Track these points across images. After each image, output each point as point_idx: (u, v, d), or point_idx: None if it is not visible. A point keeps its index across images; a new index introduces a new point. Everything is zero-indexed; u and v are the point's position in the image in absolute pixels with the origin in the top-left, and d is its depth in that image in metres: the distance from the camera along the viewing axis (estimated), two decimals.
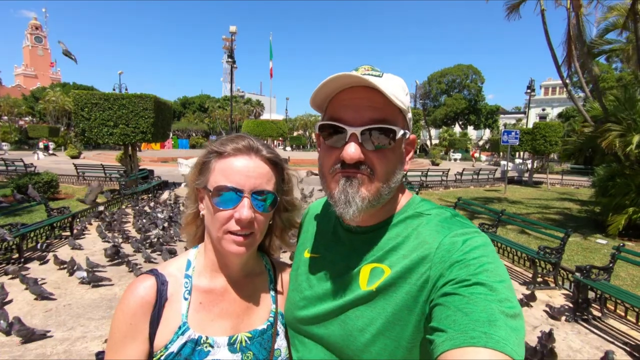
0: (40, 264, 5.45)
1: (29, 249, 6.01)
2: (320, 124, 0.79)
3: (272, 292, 0.98)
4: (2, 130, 38.76)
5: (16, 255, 5.66)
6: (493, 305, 0.58)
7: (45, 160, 24.00)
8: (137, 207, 9.35)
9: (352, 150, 0.72)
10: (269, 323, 0.93)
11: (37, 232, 6.40)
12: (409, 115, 0.81)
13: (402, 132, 0.76)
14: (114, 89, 27.83)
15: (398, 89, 0.76)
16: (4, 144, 33.86)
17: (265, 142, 0.95)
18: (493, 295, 0.60)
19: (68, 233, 7.22)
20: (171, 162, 24.95)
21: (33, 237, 6.29)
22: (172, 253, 5.87)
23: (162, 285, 0.85)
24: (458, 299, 0.61)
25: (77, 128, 13.03)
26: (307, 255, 0.95)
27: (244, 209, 0.81)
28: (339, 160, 0.75)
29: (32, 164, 16.20)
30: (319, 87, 0.76)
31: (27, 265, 5.41)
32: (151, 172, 14.62)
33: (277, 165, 0.91)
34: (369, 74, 0.74)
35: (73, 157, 27.12)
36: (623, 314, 4.60)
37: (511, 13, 12.93)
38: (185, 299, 0.86)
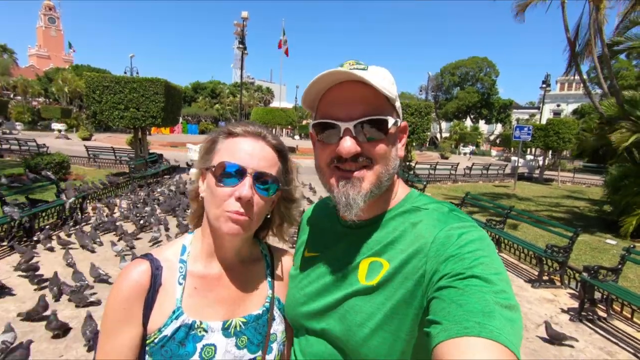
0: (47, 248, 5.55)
1: (40, 228, 6.13)
2: (313, 122, 0.81)
3: (269, 278, 0.99)
4: (16, 111, 39.30)
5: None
6: (488, 296, 0.58)
7: (57, 141, 24.33)
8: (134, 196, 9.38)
9: (347, 145, 0.75)
10: (264, 308, 0.94)
11: (48, 212, 6.52)
12: (398, 103, 0.82)
13: (393, 121, 0.78)
14: (125, 72, 27.92)
15: (384, 80, 0.77)
16: (17, 123, 34.35)
17: (273, 131, 0.95)
18: (488, 287, 0.60)
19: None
20: (180, 147, 25.09)
21: (44, 217, 6.41)
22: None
23: (156, 270, 0.85)
24: (453, 292, 0.61)
25: (88, 110, 13.17)
26: (307, 254, 0.96)
27: (245, 188, 0.81)
28: (334, 155, 0.77)
29: (44, 144, 16.44)
30: (309, 86, 0.78)
31: (38, 245, 5.53)
32: (160, 156, 14.74)
33: (282, 154, 0.92)
34: (354, 69, 0.76)
35: (84, 139, 27.45)
36: (629, 315, 4.56)
37: (521, 12, 12.56)
38: (180, 283, 0.86)
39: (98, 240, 5.70)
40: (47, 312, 3.50)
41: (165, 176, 13.18)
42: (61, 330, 3.34)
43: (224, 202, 0.82)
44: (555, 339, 3.79)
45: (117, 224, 6.47)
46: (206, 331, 0.84)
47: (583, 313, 4.47)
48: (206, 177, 0.88)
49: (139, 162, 12.46)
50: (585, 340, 3.98)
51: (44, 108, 43.59)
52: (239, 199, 0.81)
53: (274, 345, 0.92)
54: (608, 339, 4.04)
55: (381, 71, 0.80)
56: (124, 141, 22.73)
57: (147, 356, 0.81)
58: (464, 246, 0.67)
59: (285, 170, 0.94)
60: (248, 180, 0.82)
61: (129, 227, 6.58)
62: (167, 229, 6.40)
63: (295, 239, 1.09)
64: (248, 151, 0.85)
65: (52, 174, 8.28)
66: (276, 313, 0.95)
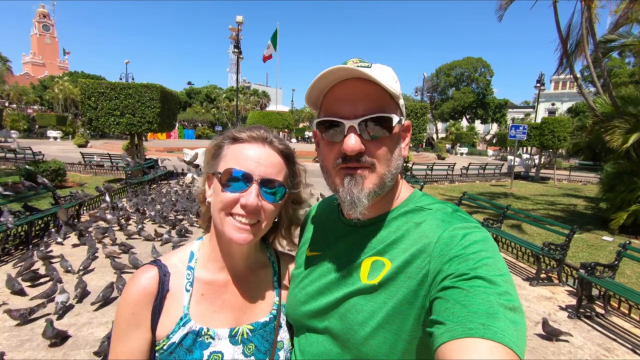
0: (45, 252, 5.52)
1: (36, 236, 6.10)
2: (317, 120, 0.81)
3: (276, 285, 0.99)
4: (11, 118, 39.13)
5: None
6: (492, 298, 0.58)
7: (53, 149, 24.22)
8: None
9: (352, 142, 0.74)
10: (271, 316, 0.93)
11: (45, 220, 6.48)
12: (402, 101, 0.82)
13: (397, 119, 0.77)
14: (120, 78, 27.86)
15: (388, 78, 0.76)
16: (12, 132, 34.18)
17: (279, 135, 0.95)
18: (492, 288, 0.60)
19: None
20: (177, 152, 25.03)
21: (41, 224, 6.38)
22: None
23: (164, 276, 0.86)
24: (457, 292, 0.61)
25: (84, 117, 13.11)
26: (309, 253, 0.96)
27: (251, 195, 0.81)
28: (340, 154, 0.77)
29: (40, 151, 16.37)
30: (313, 83, 0.77)
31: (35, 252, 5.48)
32: (157, 161, 14.70)
33: (289, 158, 0.92)
34: (359, 66, 0.75)
35: (80, 146, 27.34)
36: (627, 311, 4.58)
37: (503, 8, 12.60)
38: (187, 290, 0.87)
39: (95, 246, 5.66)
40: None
41: (162, 182, 13.13)
42: (58, 339, 3.32)
43: (230, 208, 0.82)
44: (552, 334, 3.81)
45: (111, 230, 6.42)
46: (213, 338, 0.84)
47: (581, 310, 4.48)
48: (212, 183, 0.88)
49: (135, 168, 12.43)
50: (583, 337, 4.00)
51: (39, 116, 43.43)
52: (244, 206, 0.81)
53: (281, 353, 0.91)
54: (606, 335, 4.05)
55: (385, 69, 0.80)
56: (121, 147, 22.65)
57: None
58: (468, 247, 0.67)
59: (292, 174, 0.93)
60: (254, 188, 0.82)
61: (120, 236, 6.53)
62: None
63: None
64: (254, 158, 0.84)
65: (48, 181, 8.24)
66: (283, 320, 0.95)
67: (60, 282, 4.28)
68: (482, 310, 0.56)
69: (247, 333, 0.88)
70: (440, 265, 0.67)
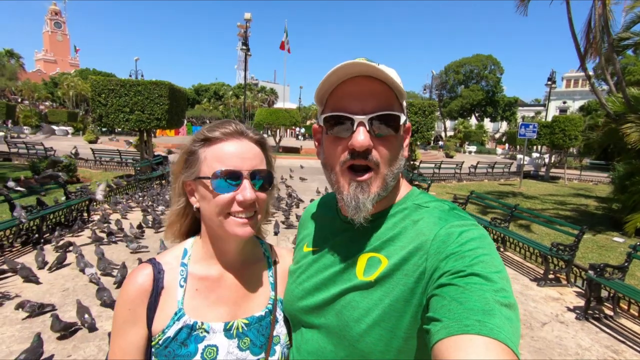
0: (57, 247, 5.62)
1: (47, 231, 6.21)
2: (325, 115, 0.79)
3: (271, 279, 0.99)
4: (24, 114, 39.79)
5: (36, 236, 5.87)
6: (488, 294, 0.58)
7: (64, 144, 24.57)
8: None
9: (362, 138, 0.73)
10: (267, 310, 0.94)
11: (56, 215, 6.60)
12: (405, 103, 0.82)
13: (404, 118, 0.78)
14: (130, 75, 28.13)
15: (396, 78, 0.76)
16: (25, 127, 34.75)
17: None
18: (488, 285, 0.60)
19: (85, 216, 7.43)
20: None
21: (52, 219, 6.49)
22: None
23: (158, 273, 0.87)
24: (453, 289, 0.61)
25: (94, 113, 13.28)
26: (306, 249, 0.96)
27: (247, 191, 0.83)
28: (346, 150, 0.76)
29: (52, 147, 16.64)
30: (326, 78, 0.76)
31: (45, 247, 5.59)
32: (165, 158, 14.84)
33: (264, 146, 0.93)
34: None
35: (90, 142, 27.73)
36: (636, 313, 4.51)
37: (523, 4, 12.42)
38: (181, 286, 0.88)
39: (105, 240, 5.78)
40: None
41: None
42: (67, 331, 3.39)
43: (228, 208, 0.83)
44: None
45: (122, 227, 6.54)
46: (207, 332, 0.84)
47: (589, 311, 4.43)
48: (197, 189, 0.87)
49: (144, 164, 12.56)
50: (591, 338, 3.95)
51: (51, 112, 44.17)
52: (242, 203, 0.82)
53: (278, 348, 0.91)
54: (614, 337, 4.00)
55: (390, 69, 0.80)
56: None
57: (152, 357, 0.83)
58: (464, 244, 0.67)
59: (268, 161, 0.95)
60: (247, 183, 0.83)
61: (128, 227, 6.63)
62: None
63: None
64: (236, 154, 0.85)
65: (61, 175, 8.37)
66: (279, 315, 0.95)
67: (83, 257, 4.80)
68: (478, 307, 0.57)
69: (242, 327, 0.88)
70: (437, 262, 0.68)
